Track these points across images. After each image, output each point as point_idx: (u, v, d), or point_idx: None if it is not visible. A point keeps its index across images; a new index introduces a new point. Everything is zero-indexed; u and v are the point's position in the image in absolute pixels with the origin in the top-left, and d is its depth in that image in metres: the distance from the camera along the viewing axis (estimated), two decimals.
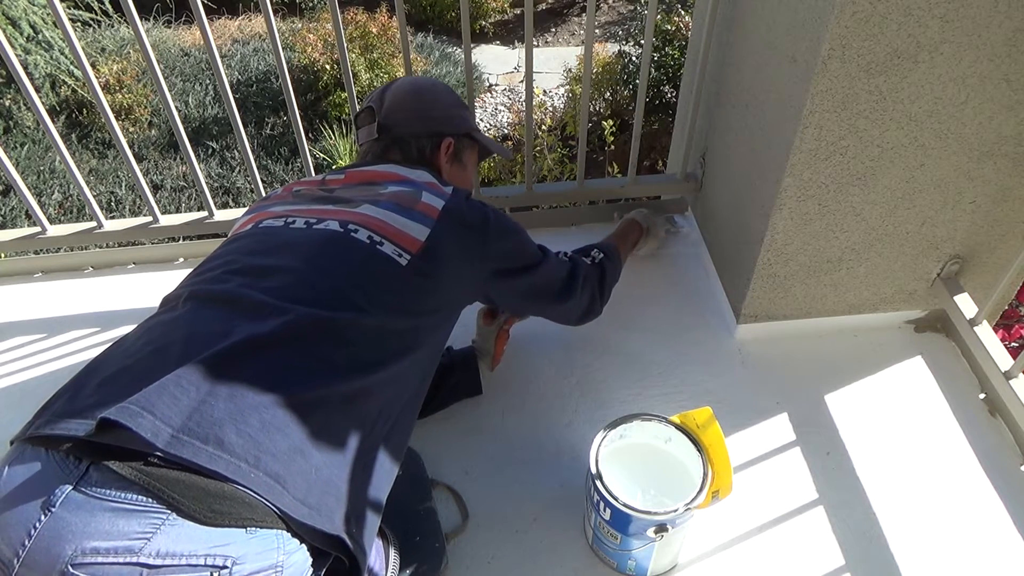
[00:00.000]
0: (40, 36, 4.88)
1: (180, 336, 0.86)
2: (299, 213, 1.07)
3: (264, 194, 1.33)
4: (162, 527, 0.71)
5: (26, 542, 0.70)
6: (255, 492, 0.75)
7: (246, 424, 0.78)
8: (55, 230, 1.71)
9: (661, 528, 1.04)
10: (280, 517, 0.76)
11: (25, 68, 4.72)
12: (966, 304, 1.44)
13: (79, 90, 5.01)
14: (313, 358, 0.87)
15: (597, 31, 6.34)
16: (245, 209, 1.24)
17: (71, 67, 4.96)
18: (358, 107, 1.32)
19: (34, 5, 4.87)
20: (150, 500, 0.72)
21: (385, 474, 0.94)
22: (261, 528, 0.75)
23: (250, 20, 6.37)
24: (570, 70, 5.35)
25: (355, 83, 4.89)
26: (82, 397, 0.81)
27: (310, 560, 0.79)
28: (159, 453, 0.73)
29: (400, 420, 0.99)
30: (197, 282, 0.98)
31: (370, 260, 0.99)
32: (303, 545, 0.78)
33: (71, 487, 0.72)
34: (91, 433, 0.75)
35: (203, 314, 0.90)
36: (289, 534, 0.77)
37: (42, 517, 0.71)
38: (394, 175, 1.15)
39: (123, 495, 0.72)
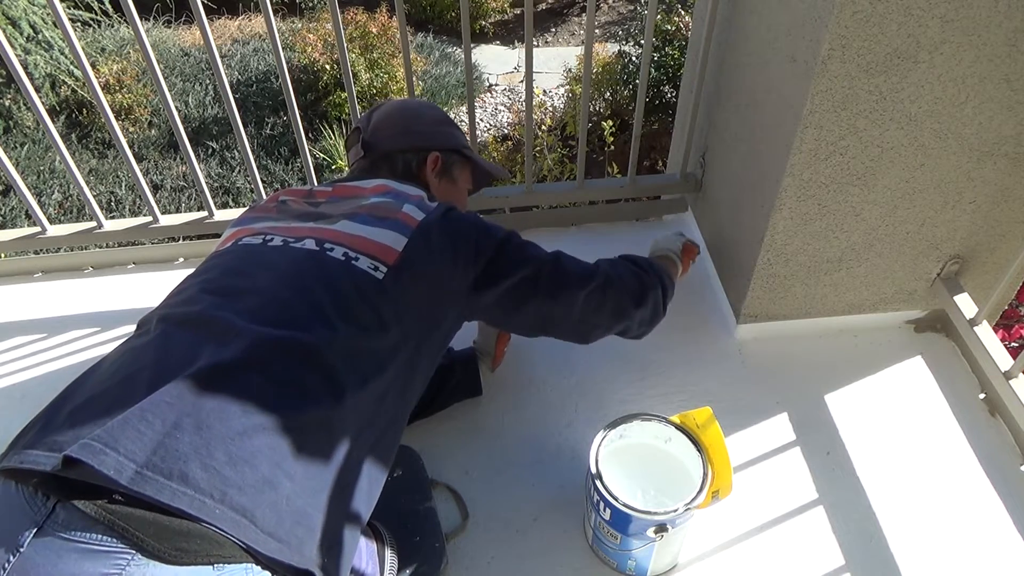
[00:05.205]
0: (40, 36, 4.88)
1: (148, 363, 0.85)
2: (278, 231, 1.05)
3: (264, 194, 1.32)
4: (127, 568, 0.69)
5: None
6: (220, 528, 0.73)
7: (211, 458, 0.76)
8: (55, 230, 1.71)
9: (661, 528, 1.04)
10: (247, 552, 0.74)
11: (25, 68, 4.72)
12: (966, 304, 1.44)
13: (79, 90, 5.01)
14: (282, 382, 0.84)
15: (597, 31, 6.33)
16: (243, 210, 1.24)
17: (71, 67, 4.96)
18: (358, 108, 1.32)
19: (34, 5, 4.87)
20: (114, 540, 0.70)
21: (365, 492, 0.91)
22: (229, 564, 0.73)
23: (250, 20, 6.38)
24: (570, 70, 5.35)
25: (355, 83, 4.89)
26: (52, 428, 0.79)
27: None
28: (122, 490, 0.72)
29: (386, 433, 0.96)
30: (170, 304, 0.96)
31: (345, 277, 0.97)
32: None
33: (36, 528, 0.71)
34: (57, 468, 0.73)
35: (172, 339, 0.88)
36: (259, 567, 0.75)
37: (11, 558, 0.69)
38: (381, 188, 1.13)
39: (88, 535, 0.70)
